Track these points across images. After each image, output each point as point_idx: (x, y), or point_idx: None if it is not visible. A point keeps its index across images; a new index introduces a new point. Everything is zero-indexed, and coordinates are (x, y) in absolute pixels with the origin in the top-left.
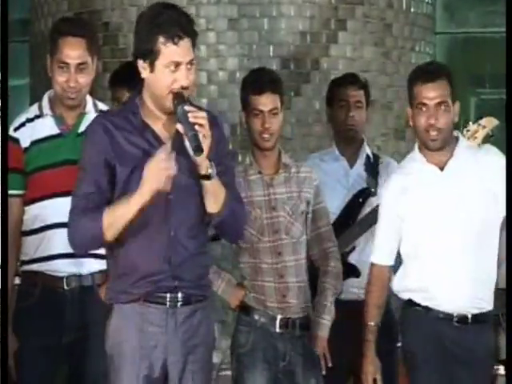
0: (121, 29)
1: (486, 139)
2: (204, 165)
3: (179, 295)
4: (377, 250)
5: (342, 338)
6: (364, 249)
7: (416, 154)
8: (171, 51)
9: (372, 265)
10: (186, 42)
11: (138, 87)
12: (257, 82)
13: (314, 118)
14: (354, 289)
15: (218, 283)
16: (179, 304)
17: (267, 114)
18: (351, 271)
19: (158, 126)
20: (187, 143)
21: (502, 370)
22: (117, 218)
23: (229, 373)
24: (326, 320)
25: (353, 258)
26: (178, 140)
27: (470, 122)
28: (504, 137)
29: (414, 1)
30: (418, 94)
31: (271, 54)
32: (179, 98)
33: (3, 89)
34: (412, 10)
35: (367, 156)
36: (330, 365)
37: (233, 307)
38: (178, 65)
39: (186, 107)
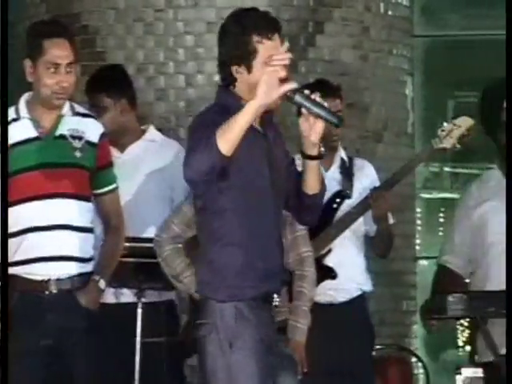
0: (99, 32)
1: (462, 139)
2: (318, 145)
3: (279, 294)
4: None
5: (318, 341)
6: (340, 251)
7: None
8: (268, 47)
9: None
10: (276, 36)
11: (117, 92)
12: None
13: (293, 120)
14: (330, 291)
15: (187, 274)
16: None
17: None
18: (327, 273)
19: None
20: (304, 125)
21: (479, 373)
22: (229, 129)
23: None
24: (303, 324)
25: (329, 261)
26: (266, 131)
27: (445, 123)
28: (480, 138)
29: (391, 4)
30: None
31: None
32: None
33: (3, 88)
34: (390, 12)
35: (342, 159)
36: (305, 370)
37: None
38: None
39: (305, 91)
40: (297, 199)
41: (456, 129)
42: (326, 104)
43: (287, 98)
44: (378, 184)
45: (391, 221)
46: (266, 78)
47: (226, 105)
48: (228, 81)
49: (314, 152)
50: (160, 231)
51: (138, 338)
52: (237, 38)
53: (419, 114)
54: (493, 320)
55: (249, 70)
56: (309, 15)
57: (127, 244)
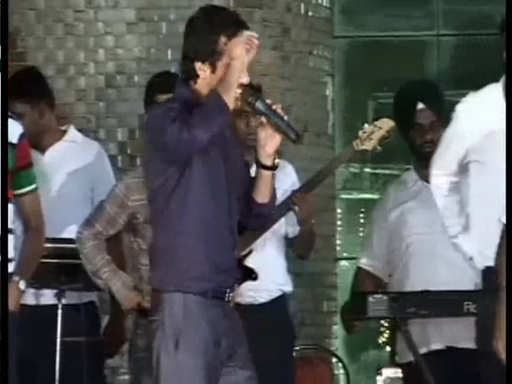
0: (19, 33)
1: (382, 141)
2: (274, 155)
3: (232, 290)
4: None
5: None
6: (260, 252)
7: None
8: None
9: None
10: None
11: (34, 97)
12: (163, 82)
13: None
14: (250, 292)
15: (114, 282)
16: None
17: None
18: (248, 274)
19: None
20: (262, 135)
21: (400, 373)
22: (227, 84)
23: (127, 377)
24: None
25: (250, 262)
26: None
27: (366, 124)
28: (400, 139)
29: (312, 5)
30: None
31: (170, 57)
32: (255, 92)
33: (3, 88)
34: (310, 13)
35: None
36: None
37: (125, 309)
38: None
39: (266, 100)
40: (245, 203)
41: (377, 130)
42: (286, 117)
43: (248, 103)
44: (298, 185)
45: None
46: (238, 42)
47: (184, 100)
48: (189, 76)
49: (268, 162)
50: (82, 228)
51: (58, 340)
52: (205, 36)
53: (339, 115)
54: (413, 320)
55: (213, 69)
56: None
57: (48, 245)
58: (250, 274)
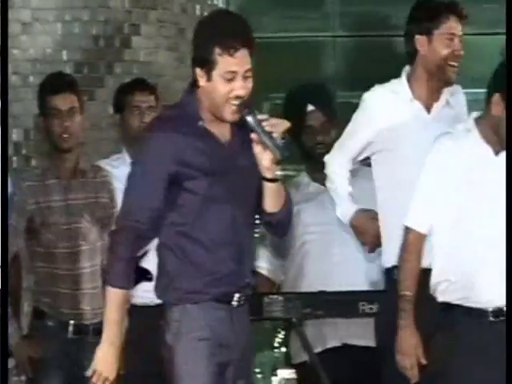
0: None
1: None
2: (273, 169)
3: (243, 294)
4: (415, 214)
5: (139, 343)
6: (155, 253)
7: (472, 126)
8: (227, 62)
9: (408, 230)
10: (242, 52)
11: None
12: (54, 83)
13: (108, 122)
14: (147, 293)
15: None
16: (242, 303)
17: (65, 113)
18: (143, 275)
19: (216, 131)
20: (258, 149)
21: (293, 374)
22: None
23: (23, 378)
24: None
25: (145, 263)
26: (233, 144)
27: None
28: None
29: (207, 5)
30: None
31: (65, 58)
32: (247, 107)
33: (3, 89)
34: (206, 14)
35: None
36: (121, 372)
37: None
38: (234, 74)
39: (259, 116)
40: (259, 212)
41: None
42: (274, 135)
43: (243, 115)
44: None
45: None
46: None
47: (184, 112)
48: (194, 80)
49: (268, 175)
50: None
51: None
52: (201, 43)
53: None
54: (308, 321)
55: (208, 77)
56: (124, 17)
57: None
58: (145, 275)
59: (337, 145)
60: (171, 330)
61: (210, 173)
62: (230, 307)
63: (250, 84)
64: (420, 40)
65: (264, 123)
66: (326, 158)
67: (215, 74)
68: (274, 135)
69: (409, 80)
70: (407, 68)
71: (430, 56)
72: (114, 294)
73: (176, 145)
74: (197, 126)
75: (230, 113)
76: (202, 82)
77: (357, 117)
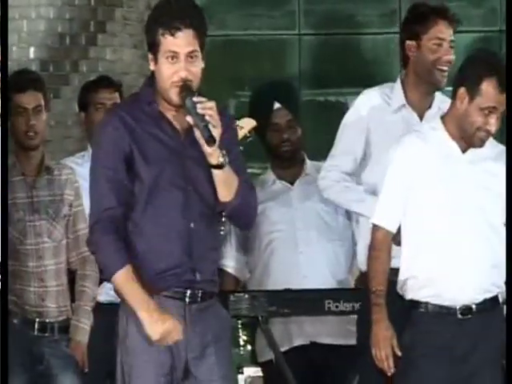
0: None
1: (244, 140)
2: (215, 154)
3: (198, 290)
4: (382, 212)
5: (100, 340)
6: None
7: (438, 125)
8: (169, 42)
9: (376, 228)
10: (185, 33)
11: None
12: (19, 80)
13: (74, 120)
14: (111, 291)
15: None
16: (198, 299)
17: (31, 111)
18: None
19: (171, 117)
20: (198, 134)
21: (261, 371)
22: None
23: None
24: (85, 324)
25: None
26: (190, 131)
27: None
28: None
29: None
30: None
31: (31, 56)
32: (186, 89)
33: (3, 88)
34: None
35: None
36: (86, 370)
37: None
38: (175, 55)
39: (195, 98)
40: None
41: (239, 130)
42: (207, 117)
43: (182, 98)
44: None
45: None
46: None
47: (138, 98)
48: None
49: (212, 161)
50: None
51: None
52: (148, 26)
53: None
54: (273, 319)
55: (155, 60)
56: (90, 14)
57: None
58: None
59: (331, 162)
60: (121, 327)
61: (161, 158)
62: (183, 304)
63: (195, 68)
64: (409, 45)
65: (198, 105)
66: (321, 176)
67: (160, 55)
68: (207, 118)
69: (403, 84)
70: (402, 72)
71: (419, 61)
72: (120, 277)
73: (129, 126)
74: (150, 110)
75: (174, 95)
76: (152, 65)
77: (349, 128)
